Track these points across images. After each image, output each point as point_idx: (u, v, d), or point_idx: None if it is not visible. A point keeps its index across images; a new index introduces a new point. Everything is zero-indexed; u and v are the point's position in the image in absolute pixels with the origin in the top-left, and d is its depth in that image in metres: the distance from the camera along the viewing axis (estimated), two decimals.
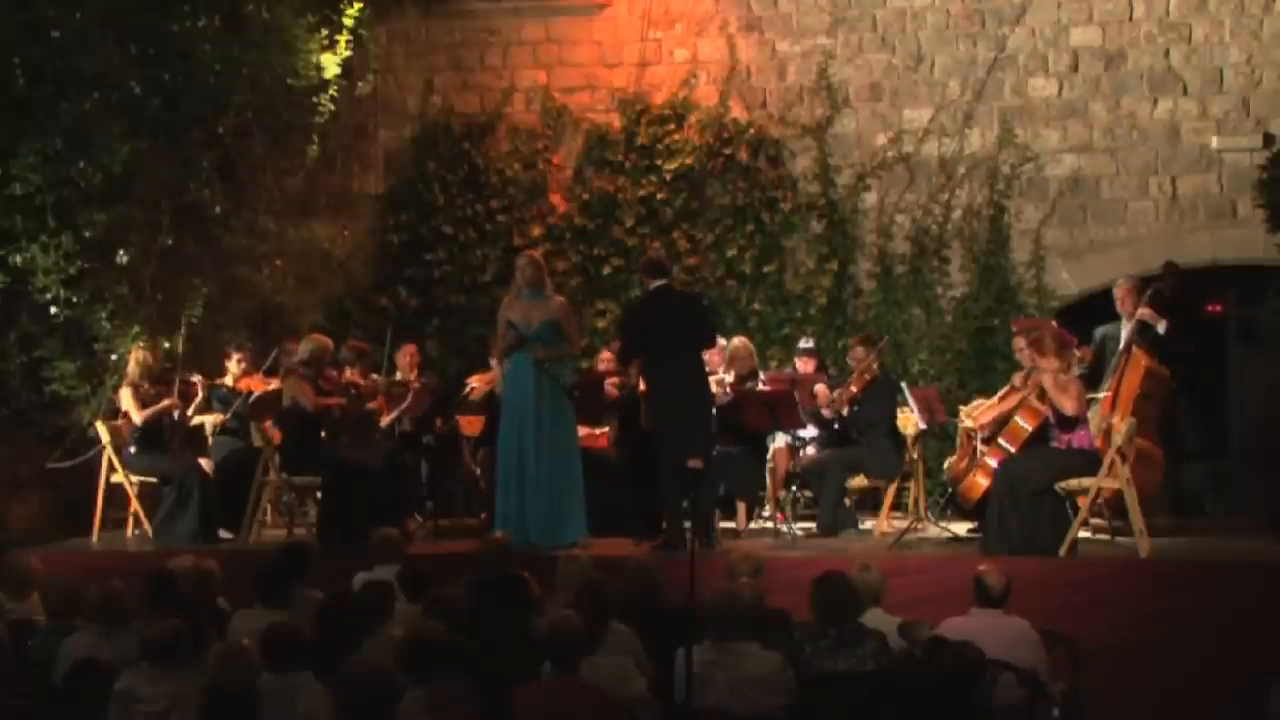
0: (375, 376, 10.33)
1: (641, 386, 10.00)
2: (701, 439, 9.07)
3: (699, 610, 5.92)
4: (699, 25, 12.38)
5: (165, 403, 9.89)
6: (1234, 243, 11.49)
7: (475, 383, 10.69)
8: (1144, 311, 9.82)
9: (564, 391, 9.28)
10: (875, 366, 10.08)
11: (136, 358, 9.91)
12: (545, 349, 9.22)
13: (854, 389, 9.97)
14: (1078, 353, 9.66)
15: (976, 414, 9.63)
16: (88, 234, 10.10)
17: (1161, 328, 9.78)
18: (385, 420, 10.36)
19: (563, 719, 5.46)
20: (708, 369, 9.63)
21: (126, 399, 9.82)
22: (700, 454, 8.86)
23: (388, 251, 12.60)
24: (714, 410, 9.56)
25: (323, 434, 9.88)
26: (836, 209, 12.03)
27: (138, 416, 9.80)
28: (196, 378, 10.21)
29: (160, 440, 10.00)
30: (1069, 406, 8.76)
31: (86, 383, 10.25)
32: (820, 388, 10.15)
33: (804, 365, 10.70)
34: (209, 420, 10.51)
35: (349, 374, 10.34)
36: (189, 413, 10.25)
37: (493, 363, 10.40)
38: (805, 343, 10.93)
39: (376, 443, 10.18)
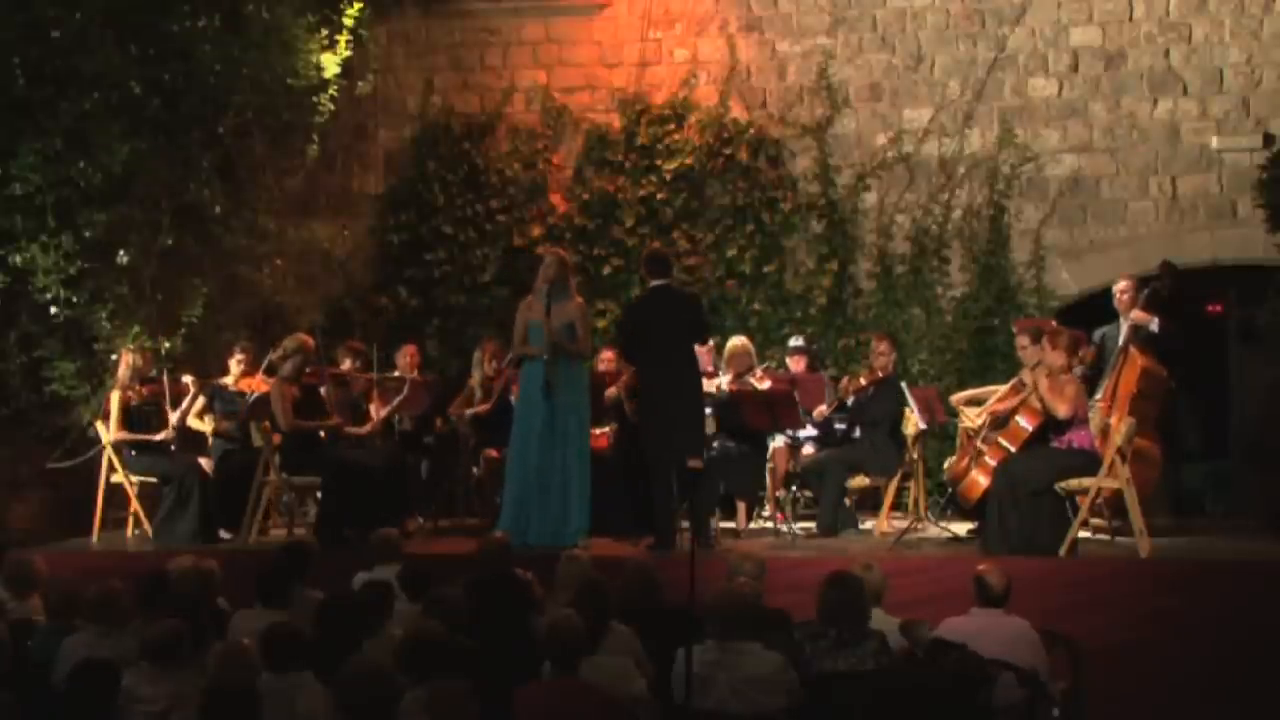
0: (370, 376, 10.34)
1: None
2: (692, 439, 9.07)
3: (700, 610, 5.92)
4: (699, 25, 12.38)
5: (145, 437, 9.87)
6: (1234, 243, 11.49)
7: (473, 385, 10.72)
8: (1136, 315, 9.83)
9: (577, 392, 9.25)
10: (890, 365, 10.11)
11: (126, 360, 9.89)
12: (567, 343, 9.21)
13: (863, 380, 10.00)
14: (1080, 353, 9.66)
15: (973, 413, 9.64)
16: (88, 234, 10.08)
17: (1154, 326, 9.79)
18: (383, 414, 10.33)
19: (563, 719, 5.46)
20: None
21: (113, 406, 9.82)
22: (694, 454, 8.85)
23: (388, 251, 12.60)
24: (706, 410, 9.55)
25: (322, 434, 9.88)
26: (836, 209, 12.03)
27: (114, 433, 9.80)
28: (188, 378, 10.18)
29: (159, 441, 10.00)
30: (1061, 409, 8.77)
31: (86, 383, 10.23)
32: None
33: (795, 364, 10.71)
34: (207, 424, 10.49)
35: (344, 367, 10.34)
36: (190, 416, 10.24)
37: (474, 375, 10.44)
38: (795, 341, 10.94)
39: (376, 443, 10.17)
